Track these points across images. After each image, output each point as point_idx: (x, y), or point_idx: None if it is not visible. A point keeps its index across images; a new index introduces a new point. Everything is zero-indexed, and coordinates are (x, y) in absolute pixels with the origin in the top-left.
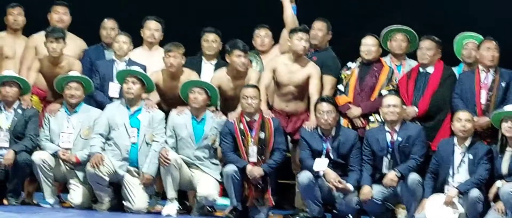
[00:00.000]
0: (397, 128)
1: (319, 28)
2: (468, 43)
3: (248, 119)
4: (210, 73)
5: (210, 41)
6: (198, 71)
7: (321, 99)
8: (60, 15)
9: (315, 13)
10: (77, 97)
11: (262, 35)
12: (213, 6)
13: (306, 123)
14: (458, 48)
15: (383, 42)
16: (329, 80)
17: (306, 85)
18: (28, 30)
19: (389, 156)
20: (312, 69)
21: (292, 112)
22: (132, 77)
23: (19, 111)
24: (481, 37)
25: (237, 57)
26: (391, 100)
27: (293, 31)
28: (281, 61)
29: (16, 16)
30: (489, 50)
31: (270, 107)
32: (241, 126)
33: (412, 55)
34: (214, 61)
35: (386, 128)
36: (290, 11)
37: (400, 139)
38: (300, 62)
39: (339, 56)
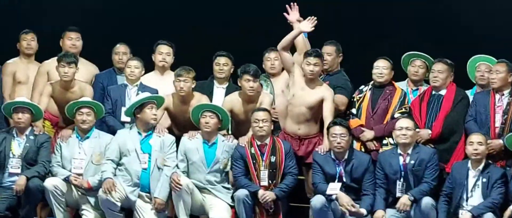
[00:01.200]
0: (409, 151)
1: (328, 52)
2: (480, 65)
3: (259, 143)
4: (221, 97)
5: (221, 64)
6: (210, 95)
7: (334, 122)
8: (73, 41)
9: (326, 36)
10: (88, 123)
11: (272, 58)
12: (224, 29)
13: (319, 147)
14: (471, 71)
15: (403, 66)
16: (340, 98)
17: (319, 107)
18: (39, 57)
19: (402, 179)
20: (325, 91)
21: (304, 135)
22: (151, 103)
23: (31, 137)
24: (494, 59)
25: (246, 82)
26: (403, 123)
27: (305, 54)
28: (297, 84)
29: (30, 41)
30: (493, 73)
31: (279, 129)
32: (252, 150)
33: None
34: (225, 85)
35: (399, 151)
36: (300, 35)
37: (412, 162)
38: (313, 84)
39: (351, 78)
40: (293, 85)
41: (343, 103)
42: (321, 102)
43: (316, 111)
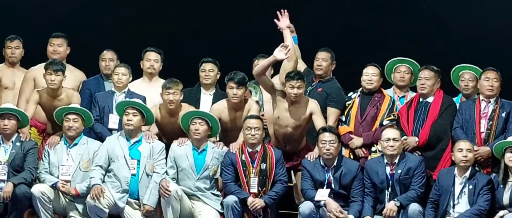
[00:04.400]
0: (396, 160)
1: (324, 58)
2: (464, 73)
3: (250, 150)
4: (208, 103)
5: (207, 70)
6: (197, 102)
7: (323, 129)
8: (54, 47)
9: (316, 43)
10: (75, 130)
11: None
12: (213, 36)
13: (309, 153)
14: (455, 79)
15: (387, 74)
16: (333, 112)
17: (305, 125)
18: (28, 62)
19: (389, 188)
20: (312, 106)
21: (291, 151)
22: (132, 109)
23: (18, 144)
24: (477, 68)
25: (230, 89)
26: (390, 134)
27: (287, 77)
28: (281, 106)
29: (14, 49)
30: (488, 81)
31: (268, 136)
32: (243, 157)
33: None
34: (212, 92)
35: (385, 160)
36: (290, 42)
37: (399, 171)
38: (297, 104)
39: (340, 85)
40: (277, 107)
41: (337, 119)
42: (308, 118)
43: (303, 129)
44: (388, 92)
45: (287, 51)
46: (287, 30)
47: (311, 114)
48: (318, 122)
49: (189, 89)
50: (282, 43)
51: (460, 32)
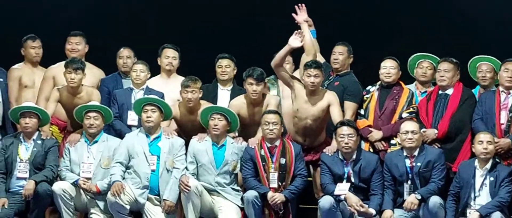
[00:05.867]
0: (416, 153)
1: (340, 52)
2: (481, 65)
3: (269, 145)
4: (226, 99)
5: (224, 66)
6: (214, 98)
7: (341, 123)
8: (72, 45)
9: (334, 36)
10: (96, 127)
11: None
12: (230, 32)
13: (327, 148)
14: (472, 71)
15: (410, 69)
16: (350, 106)
17: (324, 116)
18: (46, 61)
19: (409, 181)
20: (329, 97)
21: (311, 146)
22: (150, 105)
23: (39, 142)
24: (494, 59)
25: (249, 85)
26: (408, 126)
27: (304, 65)
28: (300, 97)
29: (38, 49)
30: (508, 72)
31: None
32: (262, 152)
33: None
34: (229, 87)
35: (405, 153)
36: (308, 36)
37: (419, 164)
38: (315, 95)
39: (358, 79)
40: (296, 99)
41: (354, 112)
42: (327, 109)
43: (322, 120)
44: (410, 87)
45: (302, 38)
46: (305, 24)
47: (329, 105)
48: (335, 113)
49: (206, 85)
50: (297, 31)
51: (477, 23)
